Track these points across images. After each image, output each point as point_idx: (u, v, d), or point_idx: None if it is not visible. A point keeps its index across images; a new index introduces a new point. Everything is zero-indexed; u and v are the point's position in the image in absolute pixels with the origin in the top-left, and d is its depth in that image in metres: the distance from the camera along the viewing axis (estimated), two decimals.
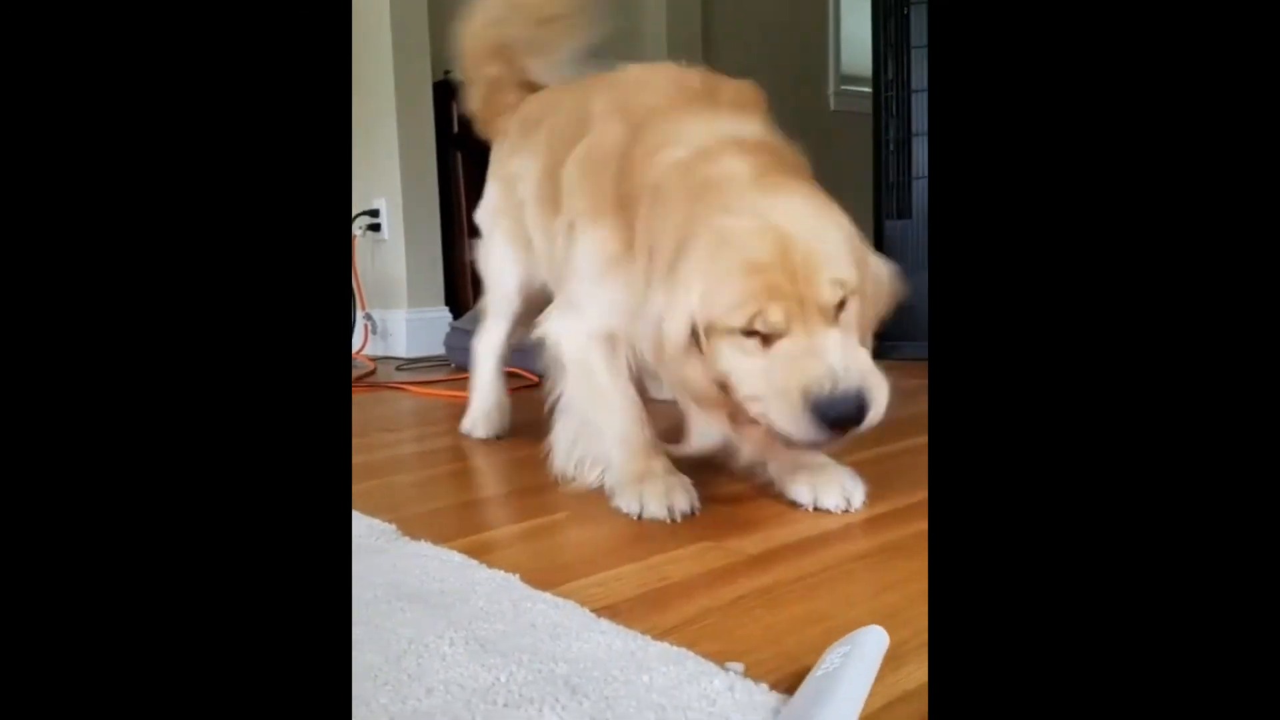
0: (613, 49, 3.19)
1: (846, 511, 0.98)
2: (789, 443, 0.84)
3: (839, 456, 1.06)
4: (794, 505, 1.01)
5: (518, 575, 0.78)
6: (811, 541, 0.90)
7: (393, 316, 2.74)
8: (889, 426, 1.58)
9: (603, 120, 1.05)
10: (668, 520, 0.95)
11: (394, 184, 2.67)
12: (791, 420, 0.80)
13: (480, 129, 1.50)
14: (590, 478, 1.07)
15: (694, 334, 0.85)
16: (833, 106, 4.13)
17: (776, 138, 1.01)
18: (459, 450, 1.43)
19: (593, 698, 0.53)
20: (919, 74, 2.11)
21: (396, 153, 2.64)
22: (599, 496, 1.09)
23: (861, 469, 1.21)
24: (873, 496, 1.04)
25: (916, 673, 0.62)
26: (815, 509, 0.98)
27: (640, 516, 0.97)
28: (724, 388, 0.86)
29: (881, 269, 0.94)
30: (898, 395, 1.95)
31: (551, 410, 1.12)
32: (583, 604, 0.73)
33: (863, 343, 0.88)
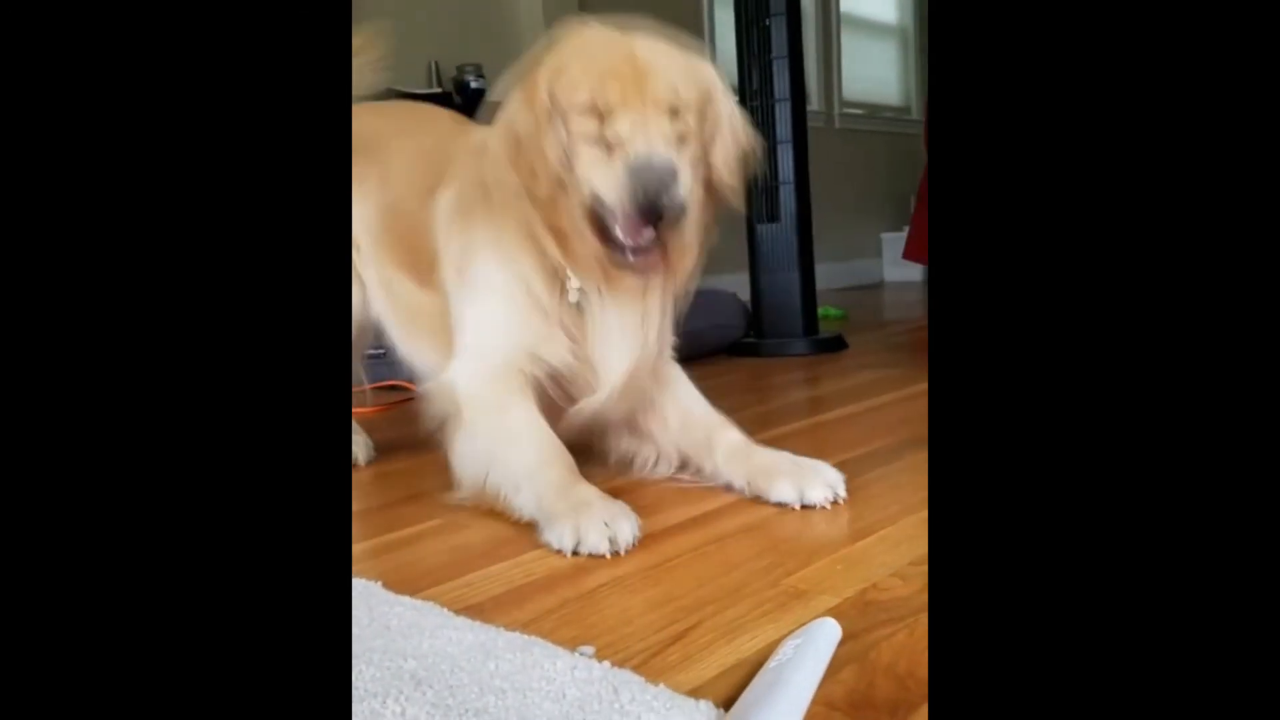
0: (489, 61, 3.18)
1: (835, 504, 0.98)
2: (612, 249, 0.94)
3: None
4: (780, 506, 1.00)
5: (379, 583, 0.80)
6: (672, 529, 0.95)
7: None
8: (766, 418, 1.65)
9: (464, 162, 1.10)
10: (608, 555, 0.85)
11: None
12: (615, 196, 0.90)
13: None
14: (513, 509, 0.98)
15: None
16: None
17: None
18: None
19: (436, 687, 0.56)
20: (780, 84, 2.21)
21: None
22: (473, 504, 1.11)
23: None
24: (722, 489, 1.10)
25: (750, 642, 0.68)
26: (803, 505, 0.98)
27: (575, 552, 0.86)
28: (562, 186, 0.95)
29: (736, 117, 1.02)
30: (772, 390, 2.02)
31: (442, 453, 1.08)
32: (445, 605, 0.75)
33: (701, 160, 0.98)
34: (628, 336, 1.06)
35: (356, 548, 0.97)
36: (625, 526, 0.88)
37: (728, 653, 0.66)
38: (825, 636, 0.62)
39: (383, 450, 1.42)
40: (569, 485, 0.95)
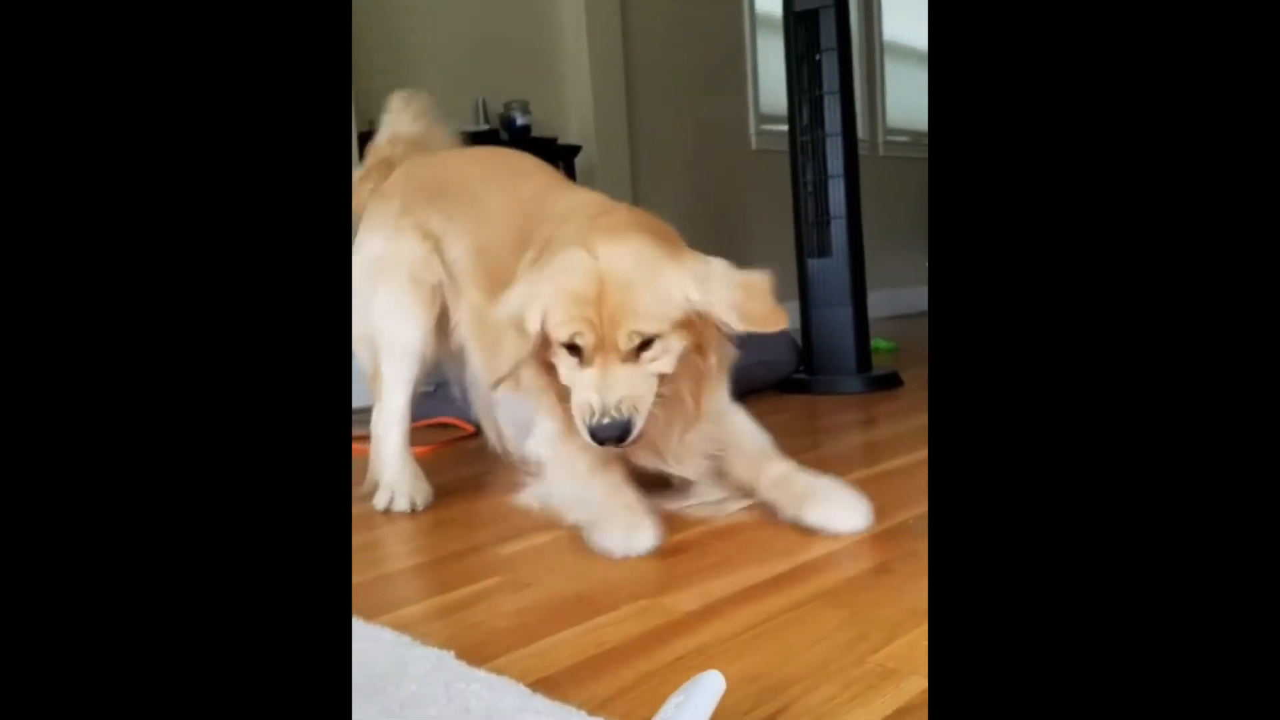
0: (536, 101, 3.22)
1: (857, 531, 1.08)
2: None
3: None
4: (809, 532, 1.09)
5: (451, 652, 0.77)
6: (745, 594, 0.92)
7: None
8: (823, 465, 1.62)
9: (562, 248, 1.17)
10: (631, 555, 1.05)
11: None
12: (580, 430, 1.08)
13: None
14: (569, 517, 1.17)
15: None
16: (754, 146, 4.25)
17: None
18: (383, 515, 1.40)
19: None
20: (831, 118, 2.19)
21: None
22: (533, 558, 1.08)
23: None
24: (808, 541, 1.07)
25: None
26: (829, 532, 1.08)
27: (614, 552, 1.05)
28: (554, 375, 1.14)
29: (720, 300, 1.11)
30: (826, 433, 1.98)
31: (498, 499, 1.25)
32: (518, 678, 0.72)
33: (708, 372, 1.15)
34: (695, 450, 1.22)
35: (420, 606, 0.95)
36: (643, 535, 1.07)
37: None
38: (706, 690, 0.63)
39: (436, 493, 1.41)
40: (615, 493, 1.14)
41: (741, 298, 1.10)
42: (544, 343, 1.12)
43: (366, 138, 2.68)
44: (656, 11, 3.80)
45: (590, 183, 3.39)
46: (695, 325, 1.10)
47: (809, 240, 2.25)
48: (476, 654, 0.78)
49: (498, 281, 1.26)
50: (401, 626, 0.86)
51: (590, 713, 0.66)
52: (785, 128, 2.32)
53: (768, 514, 1.16)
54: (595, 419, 1.05)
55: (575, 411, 1.09)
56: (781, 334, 2.39)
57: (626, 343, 1.06)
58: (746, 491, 1.21)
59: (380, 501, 1.37)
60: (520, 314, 1.13)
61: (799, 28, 2.20)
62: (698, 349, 1.12)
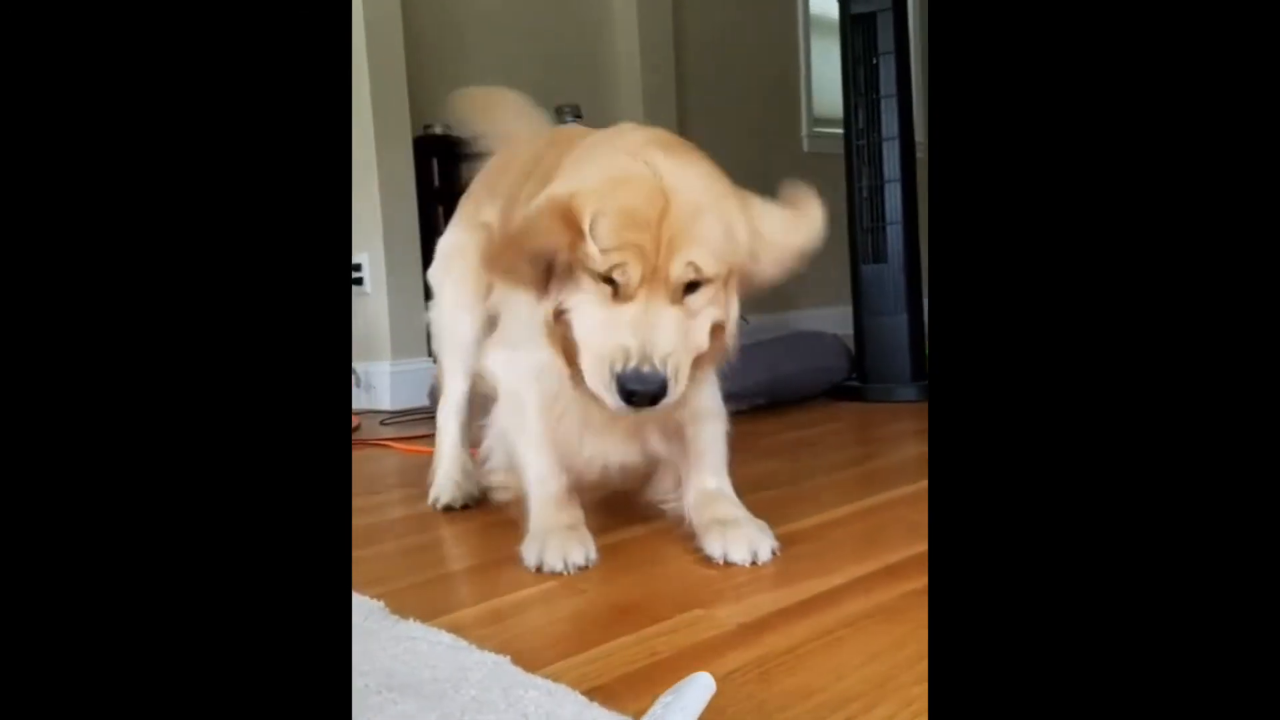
0: (587, 104, 3.24)
1: (754, 565, 1.02)
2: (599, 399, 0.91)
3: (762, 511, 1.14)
4: (708, 559, 1.06)
5: (508, 658, 0.78)
6: (800, 607, 0.91)
7: (377, 369, 2.74)
8: (879, 476, 1.59)
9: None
10: (564, 573, 1.02)
11: (376, 238, 2.69)
12: (597, 380, 0.89)
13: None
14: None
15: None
16: (806, 149, 4.21)
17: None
18: (444, 514, 1.42)
19: None
20: (889, 122, 2.16)
21: (378, 207, 2.66)
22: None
23: (852, 523, 1.22)
24: (861, 554, 1.05)
25: None
26: (725, 562, 1.03)
27: (540, 570, 1.03)
28: (559, 319, 0.94)
29: (767, 243, 0.96)
30: (881, 443, 1.95)
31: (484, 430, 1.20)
32: (574, 685, 0.73)
33: (722, 316, 0.95)
34: (634, 436, 1.09)
35: (475, 610, 0.96)
36: (576, 551, 1.03)
37: None
38: (696, 690, 0.64)
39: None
40: (551, 507, 1.08)
41: (782, 242, 0.96)
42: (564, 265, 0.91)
43: (421, 143, 2.74)
44: (709, 14, 3.79)
45: None
46: (730, 282, 0.94)
47: (863, 246, 2.22)
48: (533, 660, 0.79)
49: None
50: (457, 629, 0.87)
51: None
52: (838, 130, 2.29)
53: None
54: (632, 365, 0.85)
55: (598, 362, 0.88)
56: (834, 339, 2.37)
57: (681, 274, 0.87)
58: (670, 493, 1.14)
59: (430, 496, 1.42)
60: (565, 203, 0.88)
61: (856, 31, 2.17)
62: (715, 326, 0.95)
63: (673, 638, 0.85)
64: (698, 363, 0.95)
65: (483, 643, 0.83)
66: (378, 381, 2.73)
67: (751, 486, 1.45)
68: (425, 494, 1.52)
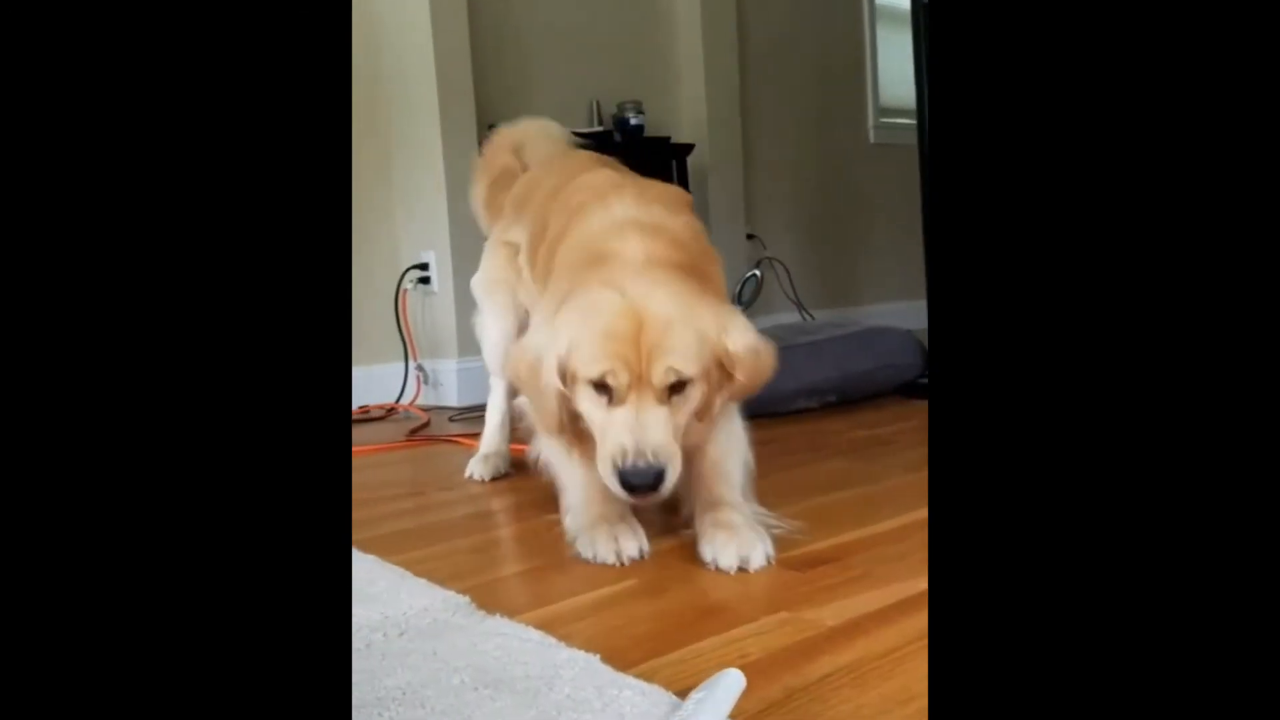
0: (651, 99, 3.23)
1: (743, 571, 1.02)
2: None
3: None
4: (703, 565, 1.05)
5: (598, 656, 0.78)
6: (891, 610, 0.89)
7: (444, 367, 2.78)
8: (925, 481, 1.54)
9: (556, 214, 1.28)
10: (617, 564, 1.06)
11: (443, 236, 2.73)
12: (605, 475, 1.03)
13: (483, 212, 1.74)
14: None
15: (561, 374, 1.06)
16: (872, 139, 4.13)
17: (689, 229, 1.21)
18: (517, 510, 1.43)
19: None
20: None
21: (445, 206, 2.70)
22: (664, 564, 1.08)
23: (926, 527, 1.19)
24: None
25: None
26: (716, 569, 1.04)
27: (595, 559, 1.07)
28: (575, 420, 1.09)
29: (743, 353, 1.07)
30: None
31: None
32: (666, 685, 0.72)
33: (706, 415, 1.09)
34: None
35: (558, 606, 0.96)
36: (629, 543, 1.07)
37: None
38: (727, 686, 0.64)
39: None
40: (597, 501, 1.12)
41: (750, 362, 1.07)
42: (567, 382, 1.07)
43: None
44: (772, 5, 3.74)
45: (703, 181, 3.38)
46: (713, 375, 1.06)
47: None
48: (621, 658, 0.79)
49: (541, 267, 1.33)
50: (543, 625, 0.87)
51: None
52: (906, 120, 2.24)
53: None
54: (629, 461, 0.99)
55: (604, 459, 1.03)
56: (906, 335, 2.31)
57: (662, 379, 1.01)
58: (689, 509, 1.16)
59: (467, 470, 1.65)
60: (538, 363, 1.08)
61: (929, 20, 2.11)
62: (705, 402, 1.08)
63: (762, 639, 0.83)
64: (705, 419, 1.09)
65: (569, 640, 0.83)
66: (445, 379, 2.77)
67: (825, 486, 1.43)
68: (495, 490, 1.58)
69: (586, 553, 1.08)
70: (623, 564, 1.05)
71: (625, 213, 1.17)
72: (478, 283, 1.64)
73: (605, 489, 1.10)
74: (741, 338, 1.07)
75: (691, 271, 1.11)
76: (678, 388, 1.03)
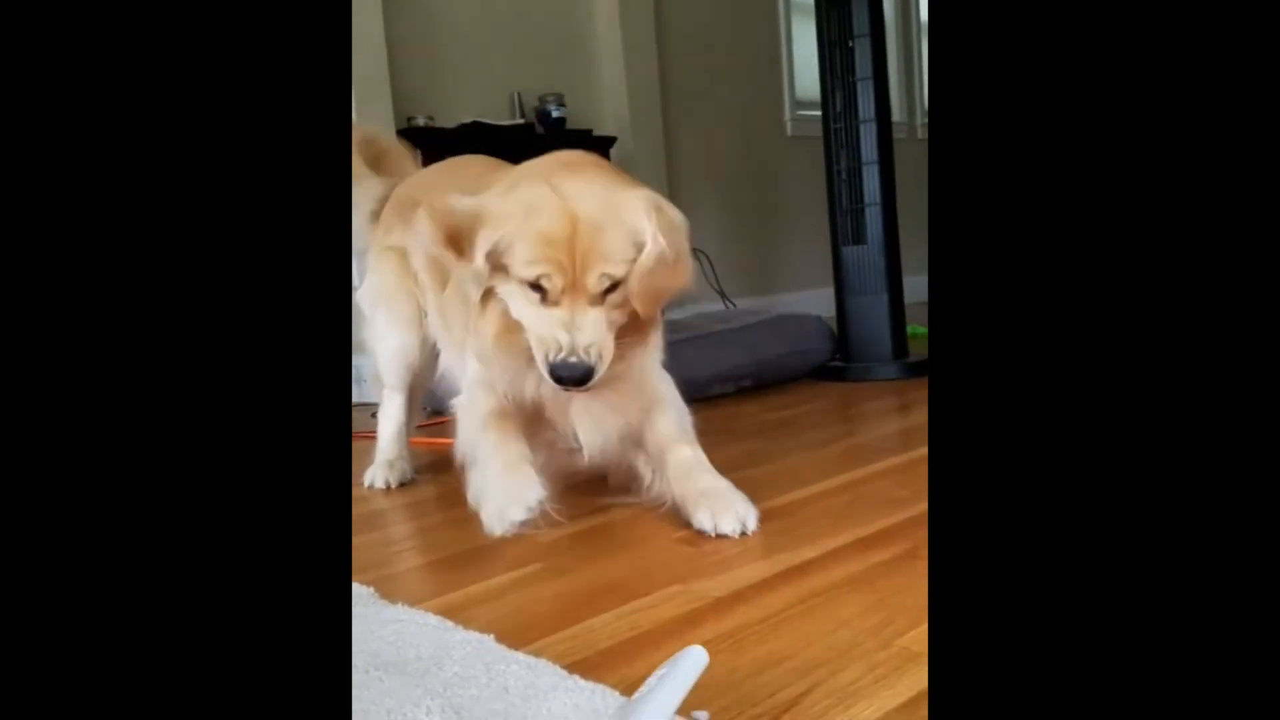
0: (571, 92, 3.24)
1: (744, 535, 1.08)
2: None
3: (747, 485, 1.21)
4: (700, 532, 1.11)
5: (492, 636, 0.81)
6: (774, 580, 0.94)
7: (366, 363, 2.76)
8: (857, 452, 1.62)
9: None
10: (527, 519, 1.09)
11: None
12: (541, 365, 1.08)
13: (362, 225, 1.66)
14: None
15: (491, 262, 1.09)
16: (789, 132, 4.22)
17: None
18: (435, 502, 1.45)
19: None
20: (865, 105, 2.18)
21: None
22: (571, 546, 1.12)
23: (827, 498, 1.26)
24: (836, 528, 1.09)
25: (866, 711, 0.66)
26: (716, 534, 1.09)
27: (503, 531, 1.10)
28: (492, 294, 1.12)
29: (665, 253, 1.08)
30: (861, 420, 1.97)
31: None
32: (556, 659, 0.76)
33: (646, 309, 1.11)
34: (608, 413, 1.18)
35: (462, 593, 0.99)
36: (522, 507, 1.09)
37: None
38: (689, 664, 0.65)
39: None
40: (513, 468, 1.13)
41: (666, 242, 1.08)
42: (493, 272, 1.10)
43: (406, 134, 2.74)
44: None
45: (627, 172, 3.41)
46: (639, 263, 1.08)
47: (844, 228, 2.25)
48: (516, 638, 0.82)
49: (444, 279, 1.34)
50: (445, 611, 0.90)
51: (624, 693, 0.69)
52: (820, 114, 2.31)
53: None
54: (561, 356, 1.05)
55: (536, 346, 1.08)
56: (817, 321, 2.40)
57: (597, 285, 1.05)
58: (647, 480, 1.22)
59: (365, 479, 1.58)
60: (469, 234, 1.08)
61: (831, 13, 2.19)
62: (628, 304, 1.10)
63: (653, 612, 0.88)
64: (634, 341, 1.14)
65: (468, 624, 0.86)
66: (366, 375, 2.75)
67: (733, 466, 1.48)
68: (413, 483, 1.58)
69: (490, 511, 1.10)
70: (532, 511, 1.08)
71: (549, 160, 1.18)
72: (366, 296, 1.58)
73: (512, 452, 1.15)
74: (662, 225, 1.08)
75: (615, 173, 1.15)
76: (611, 289, 1.07)
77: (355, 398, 2.76)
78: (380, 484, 1.56)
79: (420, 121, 2.81)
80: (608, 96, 3.51)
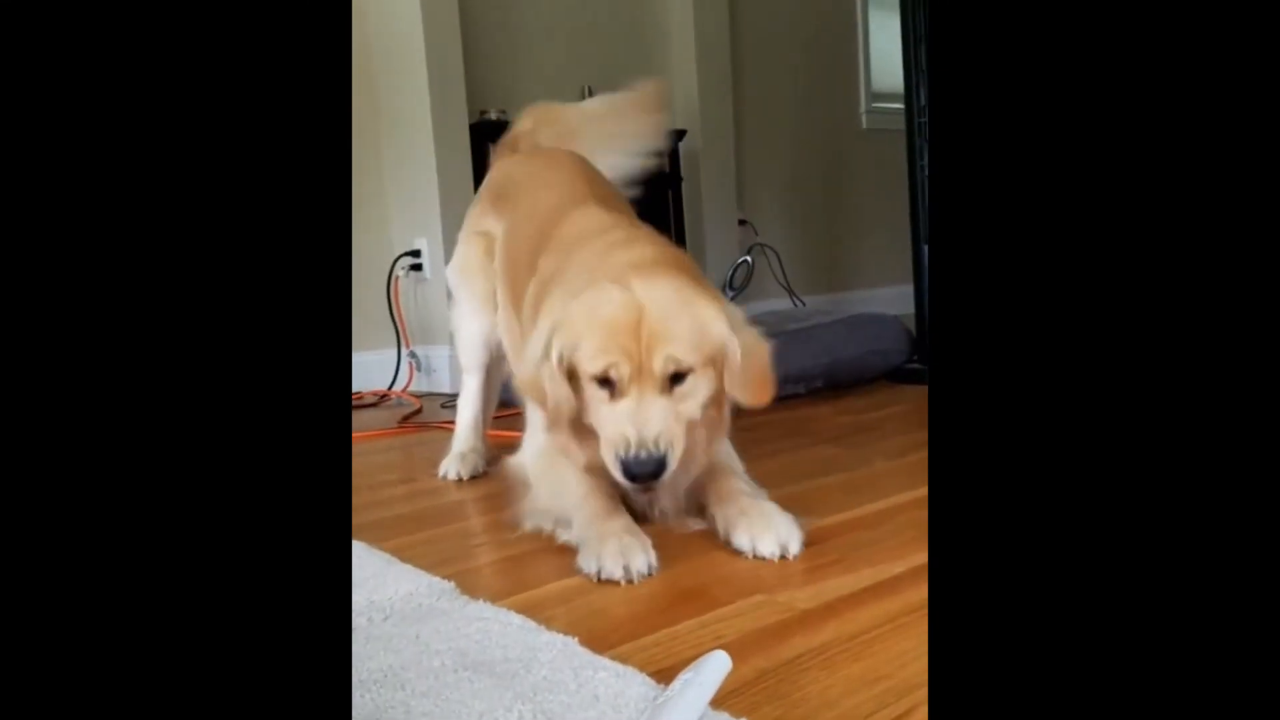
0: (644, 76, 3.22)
1: (784, 559, 1.02)
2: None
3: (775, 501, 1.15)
4: (738, 552, 1.05)
5: (576, 639, 0.80)
6: (863, 594, 0.91)
7: (436, 353, 2.80)
8: (920, 464, 1.57)
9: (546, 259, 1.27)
10: (623, 581, 0.98)
11: (434, 224, 2.73)
12: (610, 465, 1.05)
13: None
14: (560, 536, 1.14)
15: (567, 374, 1.08)
16: (864, 125, 4.12)
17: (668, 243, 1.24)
18: (506, 496, 1.46)
19: None
20: None
21: (436, 193, 2.71)
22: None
23: (913, 509, 1.21)
24: (923, 541, 1.05)
25: None
26: (754, 556, 1.04)
27: (599, 577, 0.99)
28: (580, 416, 1.10)
29: (740, 358, 1.08)
30: None
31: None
32: (641, 667, 0.75)
33: (718, 420, 1.13)
34: (681, 475, 1.12)
35: (541, 591, 0.99)
36: (639, 558, 1.00)
37: None
38: (713, 668, 0.65)
39: None
40: (601, 516, 1.08)
41: (743, 360, 1.07)
42: (570, 377, 1.08)
43: (477, 129, 2.77)
44: None
45: (695, 166, 3.38)
46: (718, 367, 1.07)
47: (925, 225, 2.18)
48: (599, 641, 0.81)
49: (516, 291, 1.36)
50: (525, 609, 0.90)
51: (712, 709, 0.67)
52: (898, 105, 2.25)
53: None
54: (631, 452, 1.01)
55: (607, 448, 1.05)
56: (894, 321, 2.33)
57: (663, 369, 1.02)
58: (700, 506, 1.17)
59: (440, 470, 1.60)
60: (541, 358, 1.08)
61: (917, 7, 2.12)
62: (714, 399, 1.09)
63: (736, 622, 0.86)
64: (714, 431, 1.13)
65: (549, 624, 0.85)
66: (437, 365, 2.79)
67: (809, 472, 1.45)
68: (484, 477, 1.58)
69: (590, 568, 1.00)
70: (631, 581, 0.98)
71: (624, 258, 1.15)
72: (453, 269, 1.65)
73: (609, 500, 1.11)
74: (739, 333, 1.07)
75: (693, 278, 1.12)
76: (678, 378, 1.04)
77: (425, 387, 2.81)
78: (453, 475, 1.57)
79: (492, 115, 2.83)
80: (679, 89, 3.48)
